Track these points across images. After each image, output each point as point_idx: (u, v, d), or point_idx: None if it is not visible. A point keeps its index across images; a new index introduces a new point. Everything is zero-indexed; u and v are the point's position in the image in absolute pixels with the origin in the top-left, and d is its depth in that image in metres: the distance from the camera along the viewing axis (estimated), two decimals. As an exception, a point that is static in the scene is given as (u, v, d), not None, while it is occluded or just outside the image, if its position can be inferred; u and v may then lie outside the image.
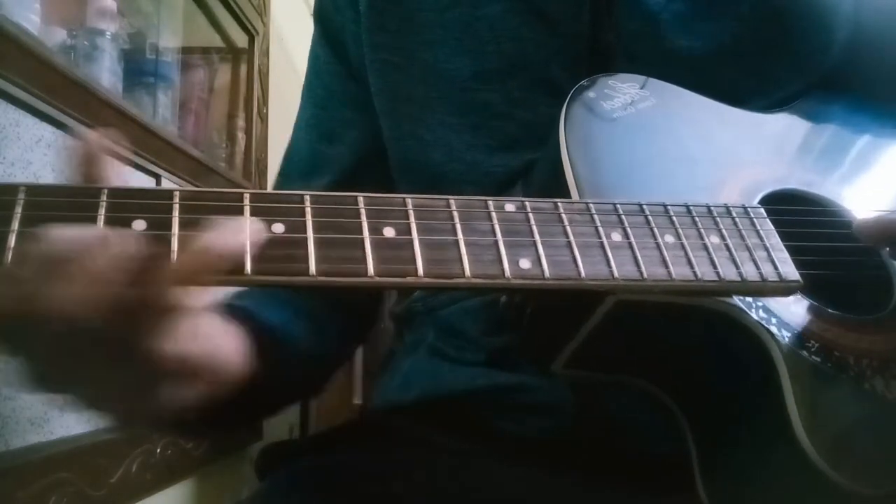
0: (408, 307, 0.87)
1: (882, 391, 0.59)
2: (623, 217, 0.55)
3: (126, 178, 0.46)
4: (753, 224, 0.60)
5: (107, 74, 1.27)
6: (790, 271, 0.58)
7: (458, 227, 0.50)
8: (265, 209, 0.46)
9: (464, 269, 0.48)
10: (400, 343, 0.90)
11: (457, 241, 0.49)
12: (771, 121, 0.75)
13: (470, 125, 0.78)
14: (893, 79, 0.82)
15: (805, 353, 0.58)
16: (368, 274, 0.46)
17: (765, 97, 0.77)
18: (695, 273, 0.54)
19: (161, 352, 0.45)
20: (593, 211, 0.55)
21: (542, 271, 0.50)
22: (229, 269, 0.43)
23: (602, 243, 0.53)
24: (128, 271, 0.41)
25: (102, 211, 0.43)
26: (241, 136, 1.86)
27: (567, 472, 0.71)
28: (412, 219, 0.49)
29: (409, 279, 0.47)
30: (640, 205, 0.57)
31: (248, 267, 0.44)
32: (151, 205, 0.44)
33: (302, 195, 0.48)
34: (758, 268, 0.57)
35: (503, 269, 0.49)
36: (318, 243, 0.46)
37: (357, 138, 0.88)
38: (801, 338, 0.58)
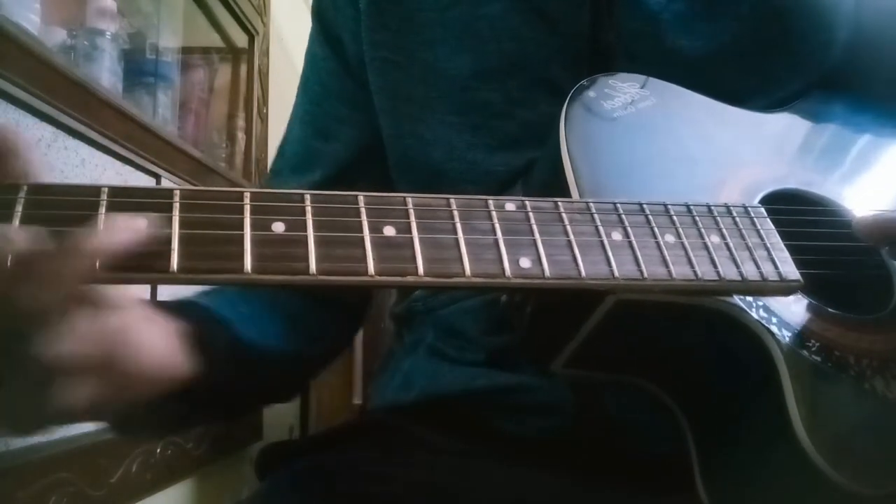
0: (407, 307, 0.87)
1: (882, 391, 0.59)
2: (623, 216, 0.55)
3: (45, 174, 0.45)
4: (754, 223, 0.60)
5: (107, 74, 1.27)
6: (790, 271, 0.58)
7: (459, 226, 0.50)
8: (265, 208, 0.46)
9: (464, 269, 0.48)
10: (400, 343, 0.90)
11: (457, 241, 0.49)
12: (771, 120, 0.75)
13: (470, 124, 0.78)
14: (893, 79, 0.82)
15: (805, 352, 0.58)
16: (369, 273, 0.46)
17: (765, 97, 0.77)
18: (695, 272, 0.54)
19: (55, 351, 0.44)
20: (593, 210, 0.55)
21: (543, 270, 0.50)
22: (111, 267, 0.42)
23: (602, 243, 0.53)
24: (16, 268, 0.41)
25: (103, 209, 0.43)
26: (241, 136, 1.86)
27: (567, 472, 0.71)
28: (412, 218, 0.49)
29: (410, 278, 0.47)
30: (641, 204, 0.57)
31: (249, 265, 0.44)
32: (152, 204, 0.44)
33: (302, 194, 0.48)
34: (758, 267, 0.57)
35: (503, 269, 0.49)
36: (319, 242, 0.46)
37: (352, 136, 0.88)
38: (802, 337, 0.58)
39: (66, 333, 0.44)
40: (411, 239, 0.48)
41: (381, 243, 0.47)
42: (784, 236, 0.60)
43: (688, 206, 0.58)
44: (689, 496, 0.62)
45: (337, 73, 0.89)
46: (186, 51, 1.74)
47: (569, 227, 0.53)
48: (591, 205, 0.55)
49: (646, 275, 0.53)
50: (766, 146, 0.72)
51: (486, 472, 0.73)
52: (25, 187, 0.42)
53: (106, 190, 0.44)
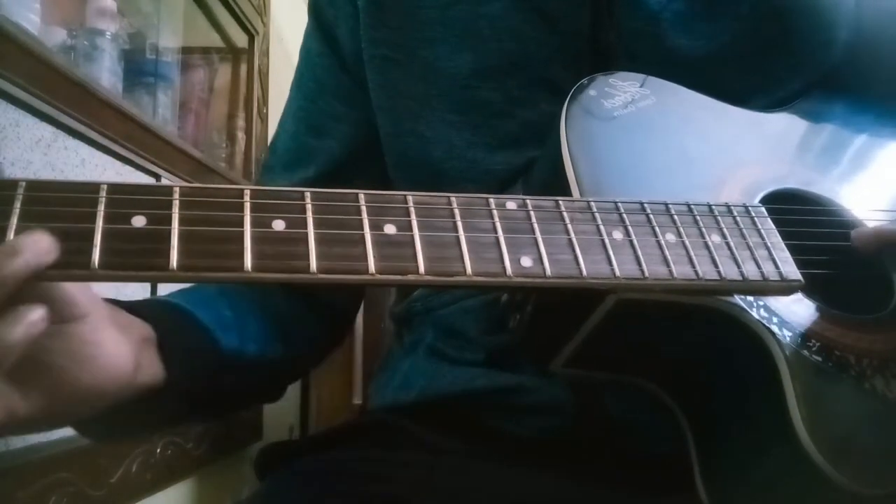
0: (407, 307, 0.87)
1: (882, 390, 0.59)
2: (624, 215, 0.55)
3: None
4: (754, 223, 0.60)
5: (107, 74, 1.27)
6: (791, 270, 0.58)
7: (460, 224, 0.50)
8: (265, 206, 0.46)
9: (465, 267, 0.48)
10: (399, 343, 0.90)
11: (458, 239, 0.49)
12: (771, 120, 0.75)
13: (470, 123, 0.78)
14: (893, 78, 0.82)
15: (806, 352, 0.57)
16: (369, 271, 0.46)
17: (765, 96, 0.77)
18: (696, 272, 0.54)
19: None
20: (594, 209, 0.55)
21: (544, 269, 0.50)
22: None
23: (603, 241, 0.53)
24: None
25: (102, 206, 0.43)
26: (241, 136, 1.86)
27: (567, 472, 0.71)
28: (413, 216, 0.49)
29: (411, 277, 0.47)
30: (642, 203, 0.57)
31: (249, 263, 0.43)
32: (151, 201, 0.44)
33: (302, 192, 0.48)
34: (759, 267, 0.57)
35: (504, 267, 0.49)
36: (319, 240, 0.46)
37: (347, 133, 0.88)
38: (802, 337, 0.58)
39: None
40: (412, 237, 0.48)
41: (382, 241, 0.47)
42: (784, 236, 0.60)
43: (689, 205, 0.58)
44: (689, 496, 0.62)
45: (332, 70, 0.89)
46: (186, 51, 1.74)
47: (570, 226, 0.53)
48: (592, 204, 0.55)
49: (647, 274, 0.53)
50: (766, 146, 0.72)
51: (486, 472, 0.73)
52: (24, 184, 0.42)
53: (105, 187, 0.44)
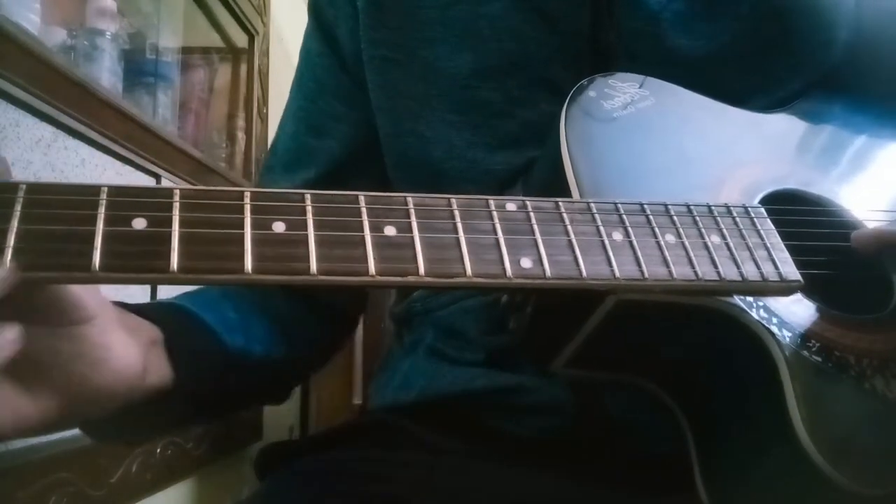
0: (407, 307, 0.87)
1: (882, 390, 0.59)
2: (624, 216, 0.55)
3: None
4: (754, 224, 0.60)
5: (107, 74, 1.27)
6: (791, 271, 0.58)
7: (460, 226, 0.50)
8: (266, 208, 0.46)
9: (465, 269, 0.48)
10: (399, 343, 0.90)
11: (458, 240, 0.49)
12: (771, 120, 0.75)
13: (470, 123, 0.78)
14: (893, 78, 0.82)
15: (806, 352, 0.58)
16: (369, 273, 0.46)
17: (765, 96, 0.77)
18: (696, 272, 0.54)
19: None
20: (594, 210, 0.55)
21: (544, 270, 0.50)
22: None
23: (603, 242, 0.53)
24: None
25: (102, 209, 0.43)
26: (241, 136, 1.86)
27: (567, 472, 0.71)
28: (413, 218, 0.49)
29: (411, 278, 0.47)
30: (641, 204, 0.57)
31: (249, 265, 0.44)
32: (152, 203, 0.44)
33: (303, 194, 0.48)
34: (758, 267, 0.57)
35: (504, 269, 0.49)
36: (319, 242, 0.46)
37: (347, 133, 0.88)
38: (802, 337, 0.58)
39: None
40: (412, 239, 0.48)
41: (382, 243, 0.47)
42: (784, 236, 0.60)
43: (688, 206, 0.58)
44: (689, 496, 0.62)
45: (332, 70, 0.89)
46: (186, 51, 1.74)
47: (569, 227, 0.53)
48: (592, 205, 0.55)
49: (646, 275, 0.53)
50: (765, 146, 0.72)
51: (486, 472, 0.73)
52: (24, 186, 0.42)
53: (106, 189, 0.44)
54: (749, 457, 0.60)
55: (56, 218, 0.41)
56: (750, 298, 0.57)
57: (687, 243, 0.56)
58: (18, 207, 0.41)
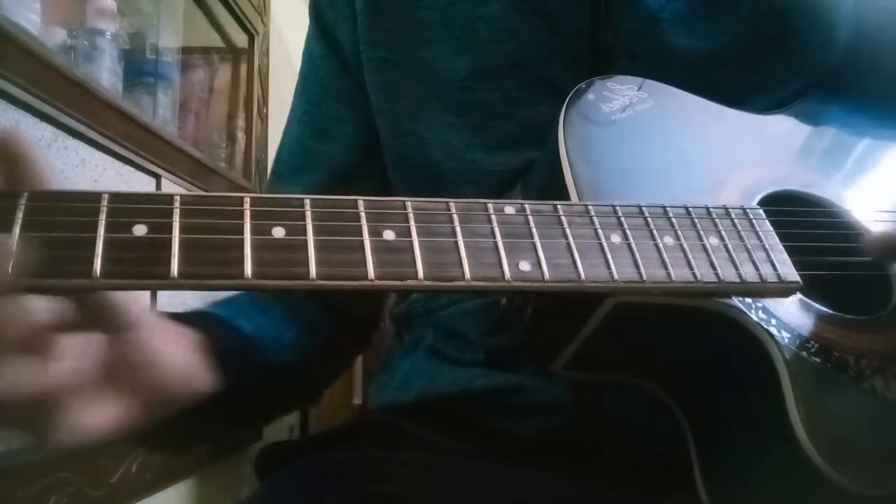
0: (407, 308, 0.87)
1: (882, 391, 0.59)
2: (622, 219, 0.55)
3: (49, 181, 0.45)
4: (752, 225, 0.60)
5: (107, 74, 1.27)
6: (789, 272, 0.58)
7: (458, 229, 0.50)
8: (265, 213, 0.46)
9: (464, 272, 0.48)
10: (399, 343, 0.90)
11: (456, 244, 0.49)
12: (770, 122, 0.75)
13: (469, 124, 0.78)
14: (893, 78, 0.82)
15: (805, 353, 0.58)
16: (369, 277, 0.46)
17: (765, 97, 0.77)
18: (694, 274, 0.54)
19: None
20: (593, 213, 0.55)
21: (542, 274, 0.50)
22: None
23: (601, 245, 0.53)
24: None
25: (103, 216, 0.43)
26: (241, 136, 1.86)
27: (567, 472, 0.71)
28: (412, 222, 0.49)
29: (410, 282, 0.47)
30: (640, 206, 0.57)
31: (249, 270, 0.44)
32: (152, 209, 0.44)
33: (302, 199, 0.48)
34: (757, 269, 0.57)
35: (503, 272, 0.49)
36: (319, 247, 0.46)
37: (352, 135, 0.88)
38: (801, 338, 0.58)
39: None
40: (411, 243, 0.48)
41: (381, 247, 0.47)
42: (783, 238, 0.60)
43: (686, 208, 0.58)
44: (689, 496, 0.62)
45: (335, 72, 0.89)
46: (186, 51, 1.74)
47: (568, 230, 0.53)
48: (590, 207, 0.55)
49: (645, 277, 0.53)
50: (765, 147, 0.72)
51: (486, 472, 0.73)
52: (26, 194, 0.42)
53: (106, 196, 0.44)
54: (749, 457, 0.60)
55: (57, 225, 0.42)
56: (749, 300, 0.57)
57: (685, 245, 0.56)
58: (20, 214, 0.41)
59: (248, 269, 0.44)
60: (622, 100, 0.67)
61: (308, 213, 0.47)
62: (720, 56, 0.76)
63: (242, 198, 0.46)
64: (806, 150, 0.75)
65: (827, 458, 0.53)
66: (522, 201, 0.53)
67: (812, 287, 0.60)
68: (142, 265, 0.42)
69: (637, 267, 0.53)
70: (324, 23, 0.90)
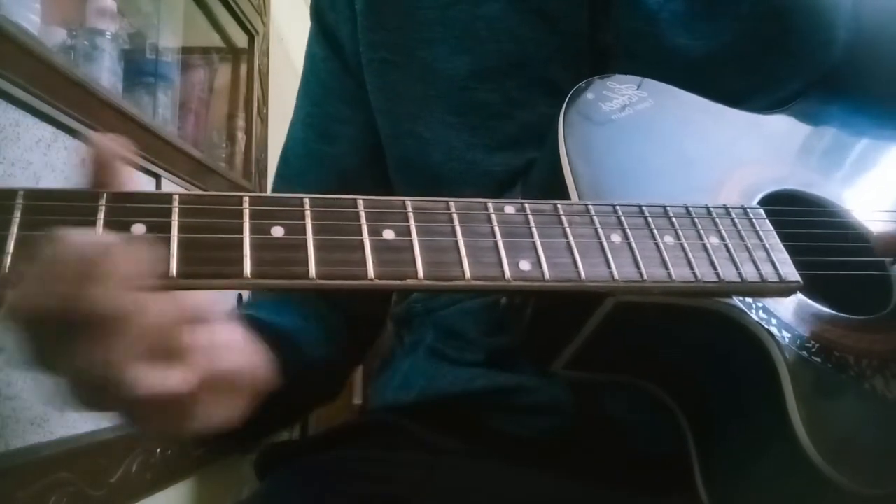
0: (407, 308, 0.87)
1: (882, 391, 0.59)
2: (622, 218, 0.55)
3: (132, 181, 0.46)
4: (753, 225, 0.60)
5: (107, 74, 1.27)
6: (790, 272, 0.58)
7: (458, 229, 0.50)
8: (264, 212, 0.46)
9: (464, 271, 0.48)
10: (399, 343, 0.90)
11: (456, 243, 0.49)
12: (769, 121, 0.75)
13: (469, 124, 0.78)
14: (892, 78, 0.82)
15: (805, 353, 0.58)
16: (368, 276, 0.46)
17: (765, 96, 0.77)
18: (694, 274, 0.54)
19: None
20: (593, 212, 0.55)
21: (542, 273, 0.50)
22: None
23: (602, 245, 0.53)
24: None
25: (101, 215, 0.43)
26: (241, 136, 1.86)
27: (566, 472, 0.71)
28: (412, 221, 0.49)
29: (409, 281, 0.47)
30: (640, 206, 0.57)
31: (248, 270, 0.44)
32: (151, 209, 0.44)
33: (301, 198, 0.48)
34: (757, 268, 0.57)
35: (503, 271, 0.49)
36: (318, 246, 0.46)
37: (356, 136, 0.88)
38: (802, 338, 0.58)
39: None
40: (411, 242, 0.48)
41: (381, 247, 0.47)
42: (783, 237, 0.60)
43: (687, 207, 0.58)
44: (689, 496, 0.62)
45: (337, 73, 0.89)
46: (186, 51, 1.74)
47: (568, 230, 0.53)
48: (591, 207, 0.55)
49: (645, 276, 0.53)
50: (765, 147, 0.72)
51: (486, 472, 0.73)
52: (22, 192, 0.42)
53: (105, 195, 0.44)
54: (749, 457, 0.60)
55: (55, 224, 0.41)
56: (749, 299, 0.57)
57: (686, 245, 0.56)
58: (18, 214, 0.41)
59: (248, 268, 0.44)
60: (622, 99, 0.67)
61: (307, 213, 0.47)
62: (720, 56, 0.76)
63: (241, 197, 0.46)
64: (806, 150, 0.75)
65: (827, 457, 0.53)
66: (522, 201, 0.53)
67: (813, 287, 0.60)
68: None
69: (637, 266, 0.53)
70: (325, 24, 0.89)
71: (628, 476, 0.69)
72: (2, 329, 0.40)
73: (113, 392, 0.42)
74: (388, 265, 0.47)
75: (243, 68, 1.90)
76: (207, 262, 0.43)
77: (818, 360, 0.58)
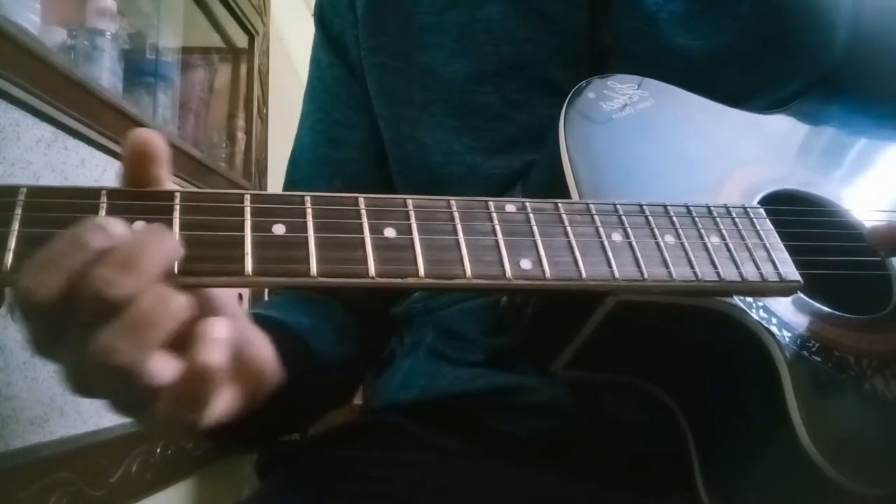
0: (407, 308, 0.87)
1: (882, 391, 0.59)
2: (623, 217, 0.55)
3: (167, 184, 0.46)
4: (753, 224, 0.60)
5: (107, 74, 1.27)
6: (790, 271, 0.58)
7: (459, 227, 0.50)
8: (266, 210, 0.46)
9: (465, 270, 0.48)
10: (399, 343, 0.90)
11: (458, 242, 0.49)
12: (770, 121, 0.75)
13: (469, 127, 0.78)
14: (892, 79, 0.82)
15: (806, 353, 0.58)
16: (369, 275, 0.46)
17: (765, 96, 0.77)
18: (695, 273, 0.54)
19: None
20: (594, 211, 0.55)
21: (543, 272, 0.50)
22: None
23: (603, 244, 0.53)
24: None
25: (103, 212, 0.43)
26: (241, 136, 1.85)
27: (567, 472, 0.71)
28: (413, 219, 0.49)
29: (410, 280, 0.47)
30: (641, 205, 0.57)
31: (250, 267, 0.44)
32: (152, 206, 0.44)
33: (302, 196, 0.48)
34: (758, 268, 0.57)
35: (504, 270, 0.49)
36: (319, 244, 0.46)
37: (363, 140, 0.88)
38: (802, 338, 0.58)
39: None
40: (412, 240, 0.48)
41: (382, 245, 0.47)
42: (783, 237, 0.60)
43: (687, 206, 0.58)
44: (689, 496, 0.62)
45: (342, 79, 0.89)
46: (186, 51, 1.74)
47: (569, 229, 0.53)
48: (591, 206, 0.55)
49: (646, 276, 0.53)
50: (765, 147, 0.73)
51: (487, 472, 0.73)
52: (24, 189, 0.42)
53: (105, 192, 0.44)
54: (749, 456, 0.60)
55: (56, 222, 0.42)
56: (749, 299, 0.57)
57: (686, 244, 0.56)
58: (19, 211, 0.41)
59: (249, 266, 0.44)
60: (622, 98, 0.67)
61: (308, 211, 0.47)
62: (720, 56, 0.76)
63: (242, 195, 0.46)
64: (806, 150, 0.75)
65: (827, 457, 0.53)
66: (523, 199, 0.53)
67: (813, 286, 0.60)
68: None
69: (638, 265, 0.53)
70: (329, 30, 0.90)
71: (628, 476, 0.69)
72: (9, 324, 0.40)
73: (137, 381, 0.42)
74: (389, 263, 0.47)
75: (243, 68, 1.90)
76: (209, 259, 0.43)
77: (818, 359, 0.58)
